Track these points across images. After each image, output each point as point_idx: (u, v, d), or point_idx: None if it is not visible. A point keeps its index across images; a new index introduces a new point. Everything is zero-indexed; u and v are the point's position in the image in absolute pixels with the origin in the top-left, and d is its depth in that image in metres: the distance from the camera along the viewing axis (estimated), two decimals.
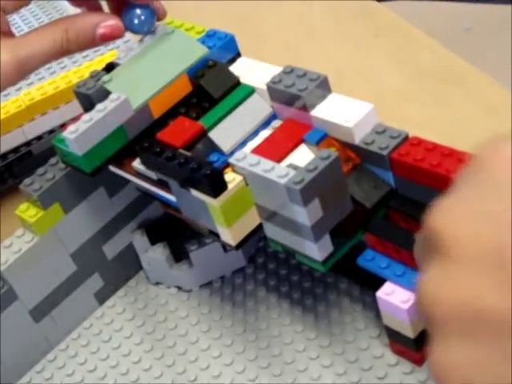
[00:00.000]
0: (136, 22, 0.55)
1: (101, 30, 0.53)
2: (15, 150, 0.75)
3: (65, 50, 0.53)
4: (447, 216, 0.28)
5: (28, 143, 0.75)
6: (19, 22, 0.86)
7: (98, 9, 0.58)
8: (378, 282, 0.51)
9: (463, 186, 0.29)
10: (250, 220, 0.50)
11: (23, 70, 0.53)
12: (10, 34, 0.54)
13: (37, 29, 0.54)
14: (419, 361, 0.53)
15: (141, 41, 0.57)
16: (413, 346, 0.52)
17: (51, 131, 0.75)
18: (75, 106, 0.61)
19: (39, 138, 0.75)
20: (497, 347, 0.26)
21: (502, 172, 0.28)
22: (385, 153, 0.48)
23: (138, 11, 0.54)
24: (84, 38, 0.53)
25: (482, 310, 0.26)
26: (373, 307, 0.56)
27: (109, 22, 0.54)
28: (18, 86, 0.76)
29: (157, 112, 0.55)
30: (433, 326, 0.28)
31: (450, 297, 0.27)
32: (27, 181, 0.59)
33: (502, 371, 0.25)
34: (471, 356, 0.26)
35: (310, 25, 0.87)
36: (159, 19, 0.56)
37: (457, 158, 0.46)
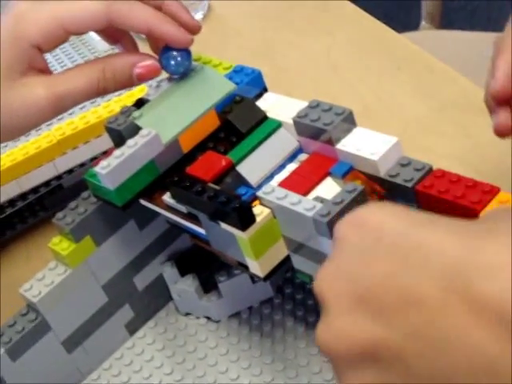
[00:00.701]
0: (172, 63, 0.56)
1: (138, 70, 0.54)
2: (47, 183, 0.76)
3: (101, 89, 0.54)
4: (320, 280, 0.35)
5: (59, 177, 0.76)
6: (50, 58, 0.88)
7: (134, 46, 0.59)
8: None
9: (334, 255, 0.35)
10: (278, 252, 0.51)
11: (59, 107, 0.53)
12: (47, 72, 0.55)
13: (74, 67, 0.55)
14: None
15: (170, 77, 0.58)
16: None
17: (82, 165, 0.76)
18: (105, 140, 0.62)
19: (70, 171, 0.76)
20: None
21: (350, 242, 0.34)
22: (410, 185, 0.49)
23: (175, 53, 0.55)
24: (121, 78, 0.54)
25: (362, 341, 0.32)
26: None
27: (145, 63, 0.55)
28: (49, 122, 0.78)
29: (186, 147, 0.56)
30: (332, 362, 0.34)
31: (337, 341, 0.33)
32: (59, 214, 0.61)
33: None
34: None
35: (334, 58, 0.89)
36: (194, 32, 0.56)
37: (481, 189, 0.46)
